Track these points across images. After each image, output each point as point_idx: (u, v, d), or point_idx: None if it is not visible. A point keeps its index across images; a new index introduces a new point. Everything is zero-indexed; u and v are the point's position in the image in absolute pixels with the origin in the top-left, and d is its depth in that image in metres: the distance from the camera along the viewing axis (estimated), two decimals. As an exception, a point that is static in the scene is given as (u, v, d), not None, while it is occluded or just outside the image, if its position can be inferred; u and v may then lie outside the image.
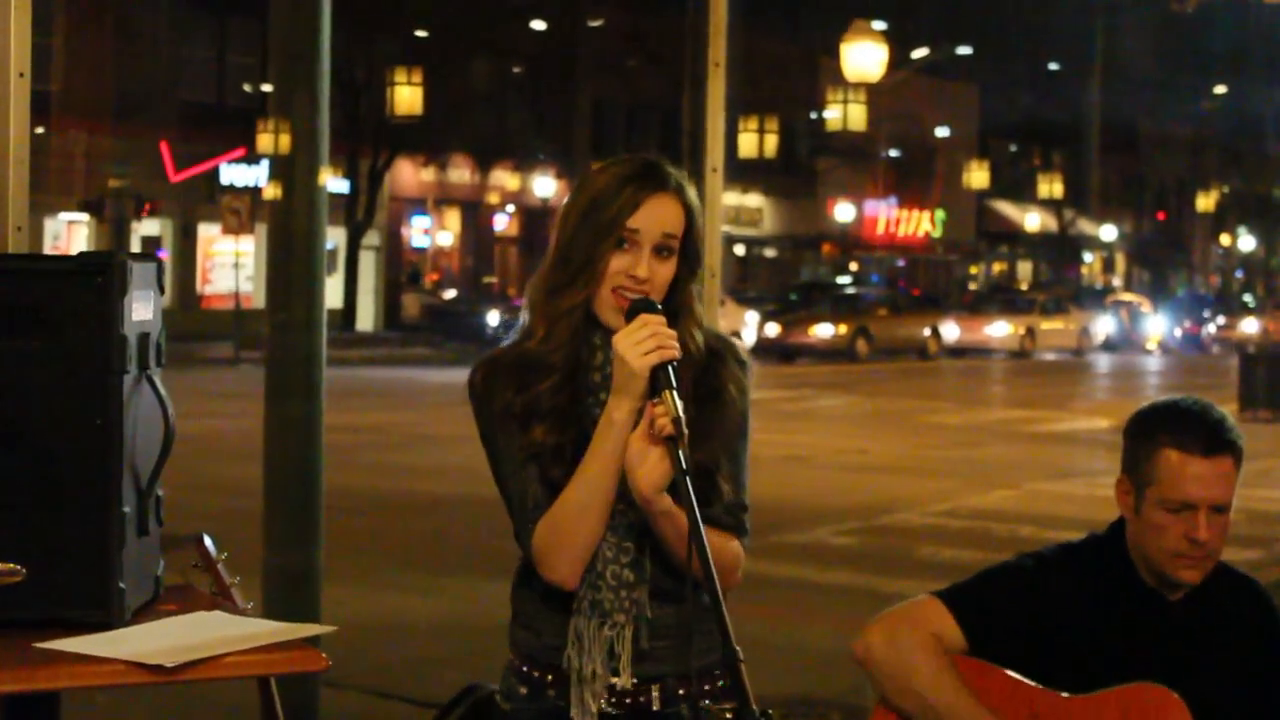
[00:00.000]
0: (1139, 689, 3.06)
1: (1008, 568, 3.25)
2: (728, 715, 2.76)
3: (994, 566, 3.27)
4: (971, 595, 3.21)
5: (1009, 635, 3.15)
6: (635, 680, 2.81)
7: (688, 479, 2.59)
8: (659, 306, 2.75)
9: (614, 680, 2.80)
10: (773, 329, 35.86)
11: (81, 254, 2.72)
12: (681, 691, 2.84)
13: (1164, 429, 3.13)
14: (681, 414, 2.63)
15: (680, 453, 2.61)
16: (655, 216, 2.79)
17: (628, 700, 2.82)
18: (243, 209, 30.63)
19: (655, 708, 2.83)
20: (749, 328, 35.68)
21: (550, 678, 2.85)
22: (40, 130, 28.01)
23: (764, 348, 34.52)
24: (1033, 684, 3.13)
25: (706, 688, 2.84)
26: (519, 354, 2.84)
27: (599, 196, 2.80)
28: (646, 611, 2.80)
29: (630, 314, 2.73)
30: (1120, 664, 3.09)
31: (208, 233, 37.98)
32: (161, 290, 2.89)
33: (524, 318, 2.87)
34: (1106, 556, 3.22)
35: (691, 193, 2.85)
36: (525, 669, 2.89)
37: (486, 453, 2.86)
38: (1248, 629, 3.21)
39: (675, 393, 2.64)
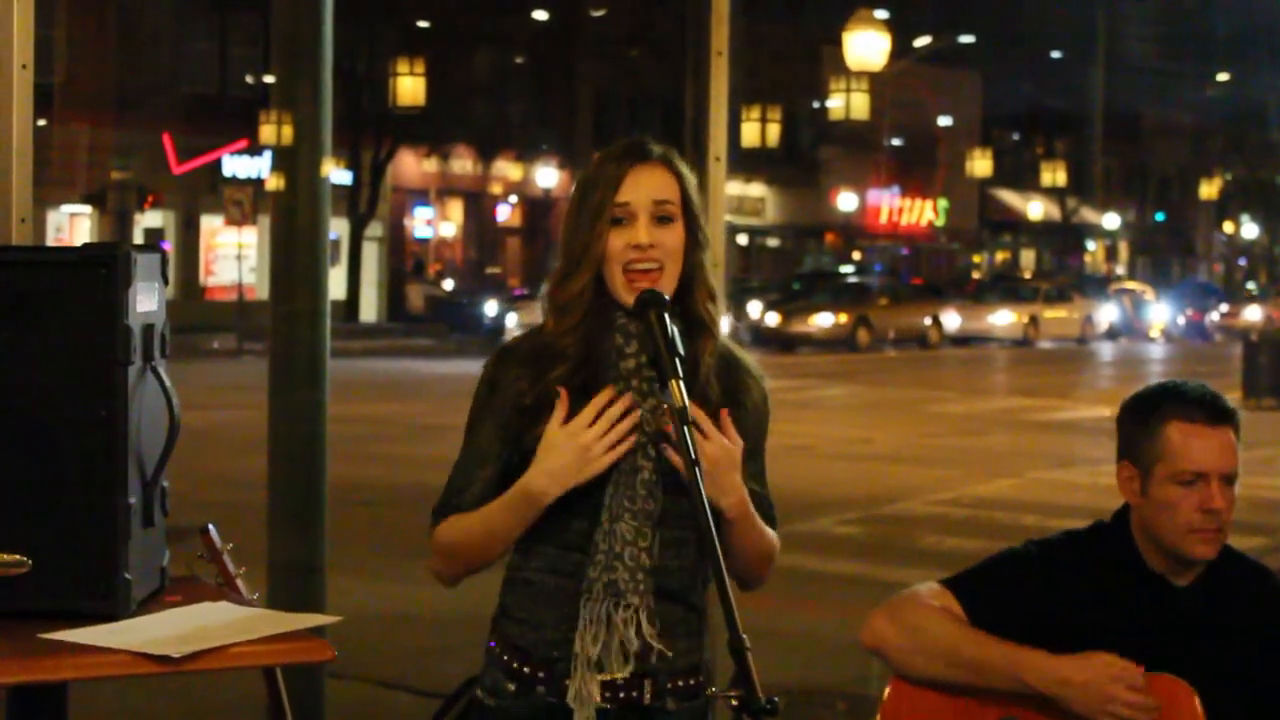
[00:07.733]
0: (1150, 679, 3.05)
1: (1013, 554, 3.26)
2: (734, 703, 2.77)
3: (999, 554, 3.28)
4: (976, 582, 3.22)
5: (1014, 622, 3.15)
6: (632, 673, 2.80)
7: (697, 470, 2.60)
8: (666, 299, 2.74)
9: (616, 670, 2.79)
10: (773, 318, 35.82)
11: (86, 245, 2.72)
12: (669, 685, 2.83)
13: (1167, 404, 3.16)
14: (688, 403, 2.63)
15: (690, 441, 2.60)
16: (643, 185, 2.80)
17: (621, 694, 2.81)
18: (245, 200, 30.63)
19: (646, 702, 2.83)
20: (749, 317, 35.60)
21: (543, 674, 2.84)
22: (43, 123, 27.97)
23: (763, 338, 34.46)
24: None
25: (690, 684, 2.85)
26: (534, 343, 2.85)
27: (588, 182, 2.83)
28: (651, 601, 2.79)
29: (638, 308, 2.73)
30: (1126, 650, 3.08)
31: (210, 224, 37.98)
32: (166, 281, 2.89)
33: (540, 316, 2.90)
34: (1111, 543, 3.22)
35: (680, 164, 2.86)
36: (515, 664, 2.87)
37: (466, 433, 2.86)
38: (1256, 617, 3.19)
39: (681, 383, 2.64)
